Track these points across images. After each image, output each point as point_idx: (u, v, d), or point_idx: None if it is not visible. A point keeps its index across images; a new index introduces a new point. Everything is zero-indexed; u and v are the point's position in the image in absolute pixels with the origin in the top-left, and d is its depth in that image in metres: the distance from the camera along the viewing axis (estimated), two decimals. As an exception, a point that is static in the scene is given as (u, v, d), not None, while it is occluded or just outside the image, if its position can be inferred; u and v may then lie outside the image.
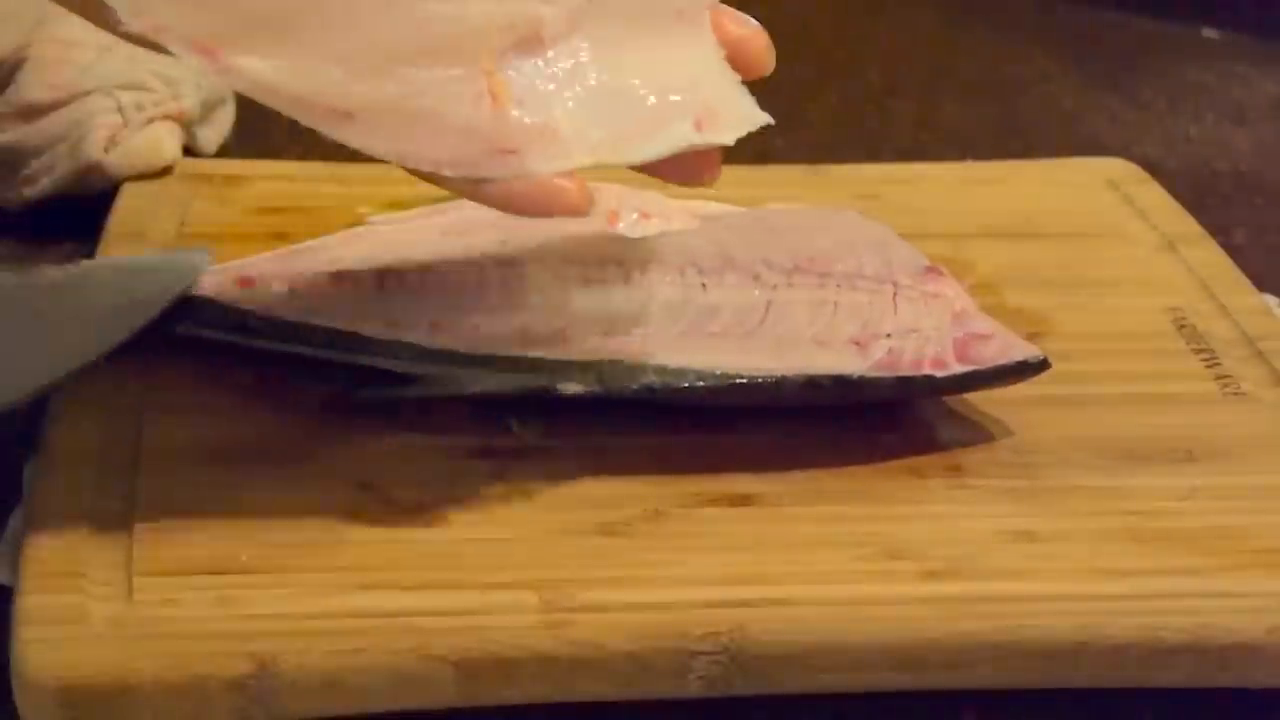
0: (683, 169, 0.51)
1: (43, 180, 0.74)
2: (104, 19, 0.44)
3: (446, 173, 0.47)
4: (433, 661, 0.49)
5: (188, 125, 0.77)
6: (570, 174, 0.48)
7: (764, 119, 0.52)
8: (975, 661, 0.51)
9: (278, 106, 0.45)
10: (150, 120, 0.75)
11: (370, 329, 0.59)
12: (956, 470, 0.58)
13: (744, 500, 0.56)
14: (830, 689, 0.51)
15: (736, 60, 0.52)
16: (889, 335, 0.59)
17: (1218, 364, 0.64)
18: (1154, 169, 0.79)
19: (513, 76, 0.48)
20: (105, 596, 0.50)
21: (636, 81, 0.50)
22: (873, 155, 0.83)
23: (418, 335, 0.58)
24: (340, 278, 0.60)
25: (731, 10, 0.53)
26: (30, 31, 0.75)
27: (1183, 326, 0.67)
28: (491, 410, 0.58)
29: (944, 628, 0.51)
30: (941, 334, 0.59)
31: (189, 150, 0.77)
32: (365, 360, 0.59)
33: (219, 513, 0.54)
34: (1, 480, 0.57)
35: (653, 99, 0.50)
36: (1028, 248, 0.72)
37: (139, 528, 0.53)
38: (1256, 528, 0.56)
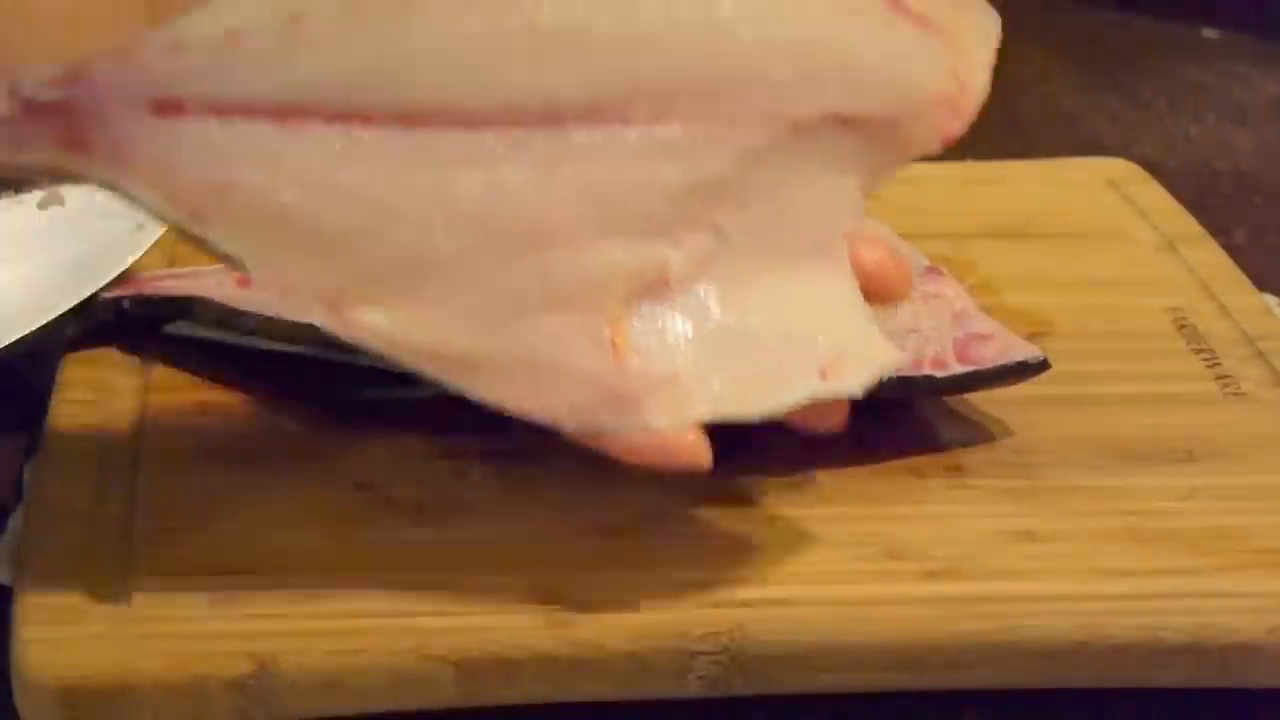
0: (806, 414, 0.49)
1: (43, 180, 0.74)
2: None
3: (564, 423, 0.46)
4: (433, 661, 0.49)
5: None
6: (691, 425, 0.47)
7: (897, 361, 0.50)
8: (975, 662, 0.51)
9: (399, 357, 0.44)
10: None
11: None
12: (957, 470, 0.58)
13: (744, 500, 0.56)
14: (830, 689, 0.51)
15: (870, 288, 0.50)
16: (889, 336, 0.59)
17: (1218, 364, 0.64)
18: (1154, 169, 0.79)
19: (634, 322, 0.46)
20: (105, 597, 0.50)
21: (761, 323, 0.48)
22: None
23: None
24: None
25: (869, 234, 0.51)
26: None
27: (1183, 326, 0.67)
28: (491, 410, 0.58)
29: (944, 628, 0.51)
30: (941, 334, 0.59)
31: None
32: (365, 360, 0.59)
33: (218, 513, 0.54)
34: (1, 480, 0.58)
35: (778, 346, 0.48)
36: (1028, 248, 0.72)
37: (139, 528, 0.53)
38: (1257, 528, 0.56)
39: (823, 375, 0.48)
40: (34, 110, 0.40)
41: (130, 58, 0.40)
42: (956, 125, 0.52)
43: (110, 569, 0.51)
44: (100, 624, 0.49)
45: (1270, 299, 0.70)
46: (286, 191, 0.41)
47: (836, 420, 0.50)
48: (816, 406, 0.48)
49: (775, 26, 0.47)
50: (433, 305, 0.43)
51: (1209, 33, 1.03)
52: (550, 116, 0.44)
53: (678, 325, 0.47)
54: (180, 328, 0.62)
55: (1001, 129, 0.90)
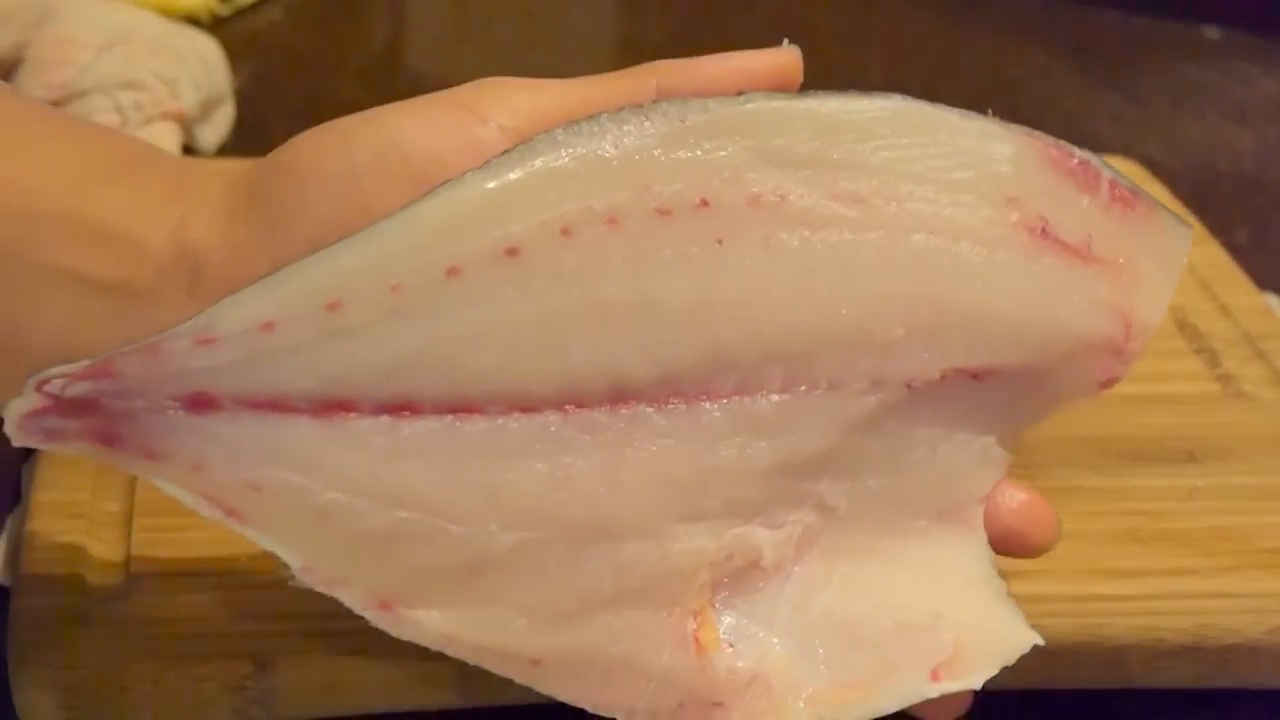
0: (920, 707, 0.45)
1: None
2: None
3: None
4: (433, 661, 0.49)
5: (187, 125, 0.77)
6: None
7: (1029, 642, 0.45)
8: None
9: (457, 654, 0.41)
10: (149, 120, 0.75)
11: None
12: (957, 470, 0.58)
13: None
14: (830, 689, 0.51)
15: (1005, 544, 0.46)
16: None
17: (1219, 364, 0.64)
18: (1155, 168, 0.79)
19: (721, 614, 0.43)
20: (104, 597, 0.50)
21: (869, 611, 0.44)
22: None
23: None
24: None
25: (1012, 485, 0.46)
26: (29, 31, 0.75)
27: (1184, 326, 0.67)
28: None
29: (944, 628, 0.51)
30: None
31: (188, 149, 0.77)
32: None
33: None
34: None
35: (887, 640, 0.44)
36: (1028, 247, 0.72)
37: (137, 527, 0.53)
38: (1258, 528, 0.56)
39: (935, 676, 0.44)
40: (63, 405, 0.38)
41: (158, 352, 0.38)
42: (1119, 370, 0.47)
43: (109, 569, 0.51)
44: (99, 624, 0.49)
45: (1271, 299, 0.70)
46: (326, 492, 0.38)
47: (955, 712, 0.46)
48: (933, 700, 0.44)
49: (881, 278, 0.42)
50: (492, 603, 0.40)
51: (1210, 31, 1.03)
52: (619, 396, 0.40)
53: (773, 616, 0.43)
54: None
55: (1002, 128, 0.90)
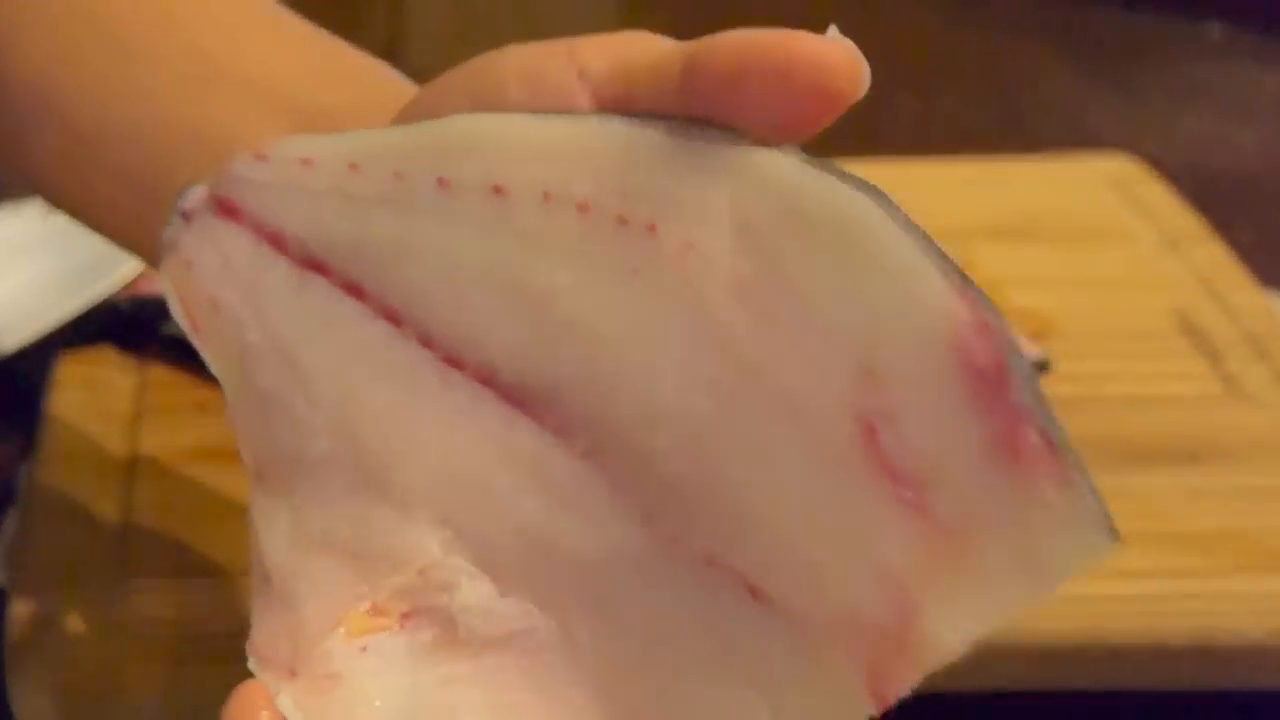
0: None
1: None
2: None
3: (253, 660, 0.39)
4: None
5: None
6: None
7: None
8: (976, 663, 0.50)
9: (252, 559, 0.40)
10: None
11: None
12: (958, 470, 0.58)
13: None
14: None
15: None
16: None
17: (1222, 364, 0.64)
18: (1157, 166, 0.79)
19: (387, 627, 0.39)
20: (102, 597, 0.50)
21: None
22: (873, 152, 0.83)
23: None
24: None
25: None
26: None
27: (1187, 326, 0.67)
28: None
29: (945, 629, 0.51)
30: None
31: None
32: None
33: (216, 513, 0.54)
34: (-2, 481, 0.58)
35: None
36: (1030, 247, 0.72)
37: (136, 528, 0.53)
38: (1260, 529, 0.56)
39: None
40: (187, 220, 0.39)
41: (229, 157, 0.40)
42: (893, 674, 0.35)
43: (107, 569, 0.51)
44: (97, 625, 0.49)
45: (1274, 298, 0.70)
46: (254, 332, 0.39)
47: None
48: None
49: (686, 394, 0.36)
50: (287, 499, 0.39)
51: (1211, 29, 1.03)
52: (485, 376, 0.38)
53: (412, 670, 0.38)
54: (179, 328, 0.61)
55: (1002, 125, 0.90)
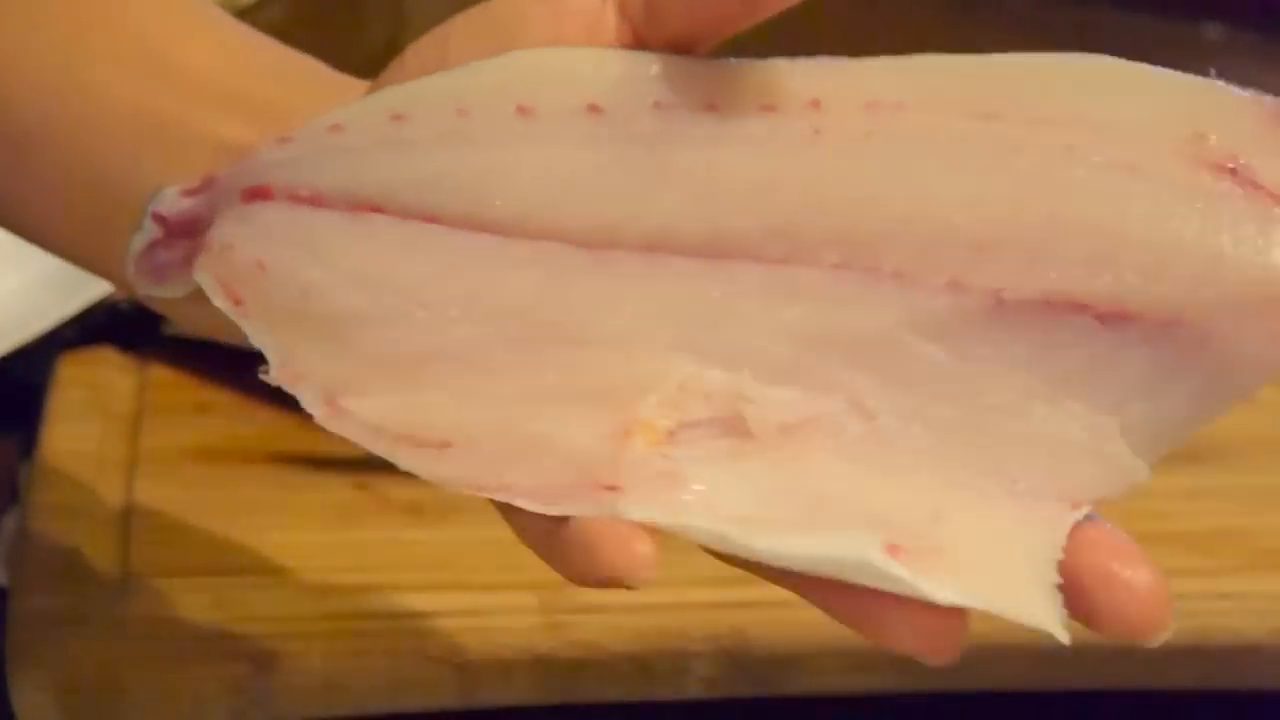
0: (897, 625, 0.34)
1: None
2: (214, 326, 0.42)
3: (523, 503, 0.36)
4: (432, 663, 0.49)
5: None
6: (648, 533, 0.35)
7: (1051, 626, 0.34)
8: (976, 663, 0.51)
9: (378, 449, 0.38)
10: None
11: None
12: (958, 470, 0.58)
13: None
14: (830, 691, 0.51)
15: (1094, 614, 0.34)
16: None
17: (1220, 364, 0.64)
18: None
19: (671, 436, 0.36)
20: (103, 597, 0.50)
21: (851, 490, 0.36)
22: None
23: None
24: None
25: (1136, 555, 0.35)
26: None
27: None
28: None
29: (945, 629, 0.51)
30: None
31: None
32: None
33: (217, 513, 0.54)
34: (-2, 480, 0.58)
35: (853, 512, 0.35)
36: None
37: (136, 528, 0.53)
38: (1260, 529, 0.56)
39: (892, 551, 0.33)
40: (171, 230, 0.39)
41: (247, 153, 0.39)
42: None
43: (107, 569, 0.51)
44: (97, 625, 0.49)
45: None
46: (313, 268, 0.38)
47: (942, 645, 0.34)
48: (914, 618, 0.34)
49: (985, 179, 0.36)
50: (429, 389, 0.38)
51: (1211, 31, 1.03)
52: (654, 245, 0.37)
53: (731, 461, 0.36)
54: (179, 328, 0.61)
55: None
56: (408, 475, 0.55)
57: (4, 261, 0.63)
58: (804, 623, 0.50)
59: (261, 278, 0.38)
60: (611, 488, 0.35)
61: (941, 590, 0.33)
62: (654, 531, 0.35)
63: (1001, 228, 0.35)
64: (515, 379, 0.37)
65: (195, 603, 0.50)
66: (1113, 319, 0.35)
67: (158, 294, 0.40)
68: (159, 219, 0.39)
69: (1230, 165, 0.35)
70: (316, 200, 0.39)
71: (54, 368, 0.60)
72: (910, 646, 0.34)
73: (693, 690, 0.50)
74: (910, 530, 0.34)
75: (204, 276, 0.39)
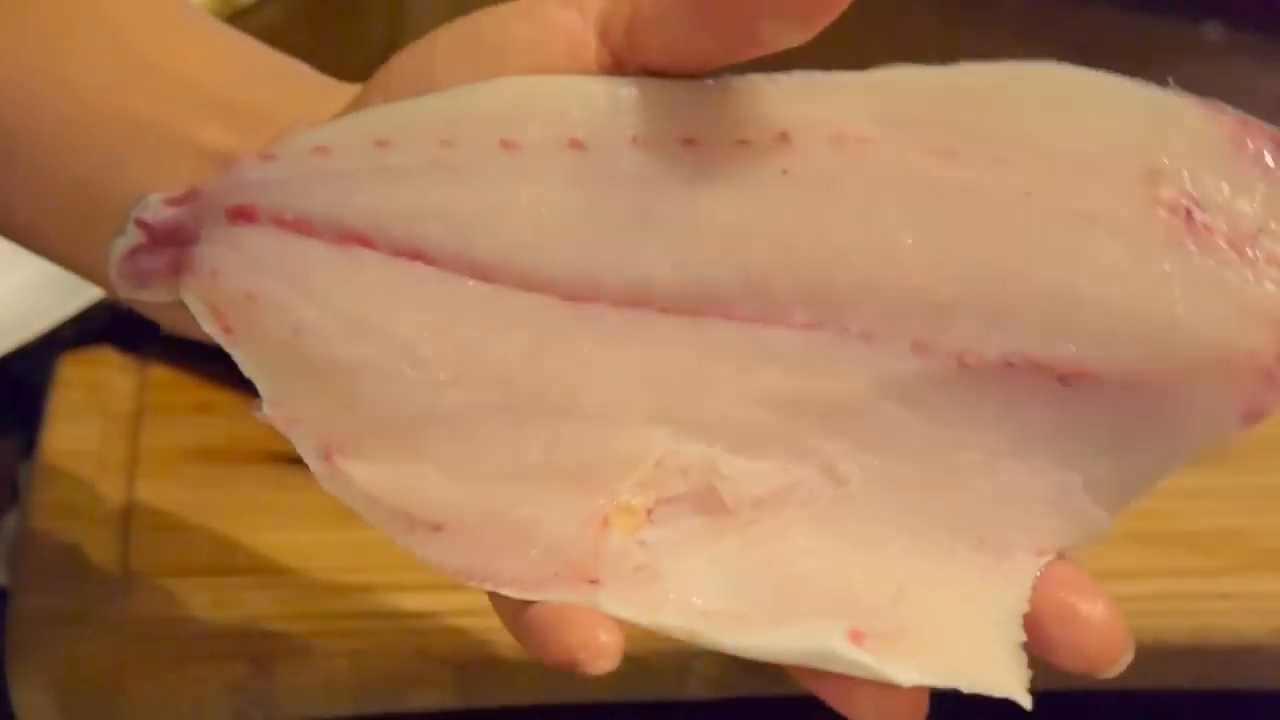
0: (853, 700, 0.36)
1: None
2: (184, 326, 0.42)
3: (508, 591, 0.38)
4: (432, 663, 0.49)
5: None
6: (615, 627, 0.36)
7: (1013, 693, 0.35)
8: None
9: (374, 521, 0.40)
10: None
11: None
12: (958, 470, 0.58)
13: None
14: (831, 690, 0.51)
15: (1063, 648, 0.36)
16: None
17: (1220, 364, 0.64)
18: (1156, 168, 0.79)
19: (649, 520, 0.38)
20: (102, 597, 0.50)
21: (822, 570, 0.37)
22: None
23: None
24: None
25: (1091, 590, 0.37)
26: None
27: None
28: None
29: (945, 629, 0.51)
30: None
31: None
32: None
33: (217, 513, 0.54)
34: (-2, 480, 0.58)
35: (822, 596, 0.36)
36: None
37: (136, 528, 0.53)
38: (1259, 528, 0.56)
39: (855, 637, 0.35)
40: (155, 237, 0.39)
41: (230, 167, 0.39)
42: (1269, 396, 0.36)
43: (107, 569, 0.51)
44: (97, 624, 0.49)
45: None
46: (307, 308, 0.38)
47: (902, 711, 0.36)
48: (880, 698, 0.35)
49: (947, 233, 0.37)
50: (421, 460, 0.38)
51: (1211, 31, 1.03)
52: (633, 300, 0.38)
53: (706, 542, 0.37)
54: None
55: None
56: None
57: (4, 261, 0.63)
58: (804, 623, 0.51)
59: (251, 308, 0.38)
60: (592, 581, 0.37)
61: (904, 674, 0.35)
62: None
63: (961, 288, 0.37)
64: (501, 454, 0.38)
65: (195, 603, 0.50)
66: (1074, 379, 0.37)
67: (140, 299, 0.40)
68: (142, 225, 0.39)
69: (1186, 205, 0.36)
70: (303, 226, 0.38)
71: (54, 368, 0.60)
72: (874, 715, 0.36)
73: (693, 690, 0.50)
74: (875, 611, 0.36)
75: (192, 300, 0.39)
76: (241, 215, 0.39)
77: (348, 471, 0.39)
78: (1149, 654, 0.51)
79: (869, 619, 0.36)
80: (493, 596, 0.38)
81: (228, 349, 0.39)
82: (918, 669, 0.35)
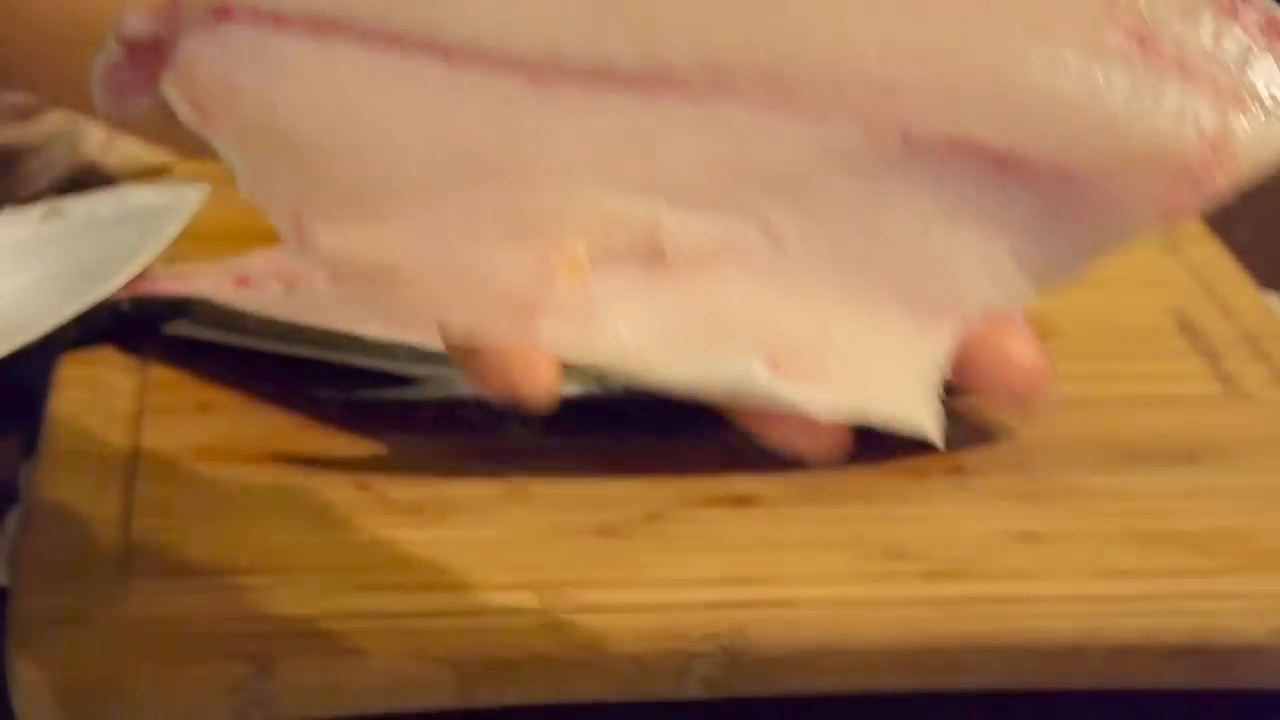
0: (781, 427, 0.38)
1: (39, 180, 0.74)
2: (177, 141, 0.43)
3: (450, 329, 0.40)
4: (432, 663, 0.49)
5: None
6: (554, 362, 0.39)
7: (922, 424, 0.38)
8: (976, 663, 0.51)
9: (341, 279, 0.42)
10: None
11: (369, 330, 0.58)
12: (958, 470, 0.58)
13: (744, 501, 0.56)
14: (830, 690, 0.51)
15: (995, 386, 0.40)
16: None
17: (1220, 364, 0.64)
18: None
19: (595, 270, 0.40)
20: (103, 597, 0.50)
21: (748, 310, 0.39)
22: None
23: (417, 336, 0.58)
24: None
25: (1021, 328, 0.39)
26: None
27: (1185, 326, 0.67)
28: (491, 410, 0.58)
29: (944, 628, 0.51)
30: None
31: (188, 149, 0.77)
32: (364, 361, 0.59)
33: (217, 513, 0.54)
34: (-2, 480, 0.58)
35: (745, 328, 0.39)
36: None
37: (137, 528, 0.53)
38: (1259, 528, 0.55)
39: (774, 365, 0.38)
40: (135, 51, 0.40)
41: None
42: (1188, 198, 0.38)
43: (108, 569, 0.51)
44: (98, 625, 0.49)
45: (1273, 298, 0.70)
46: (283, 94, 0.40)
47: (821, 443, 0.38)
48: (795, 420, 0.38)
49: (908, 26, 0.39)
50: (390, 226, 0.40)
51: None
52: (596, 75, 0.40)
53: (645, 287, 0.39)
54: (179, 328, 0.61)
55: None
56: (408, 475, 0.56)
57: (5, 263, 0.63)
58: (804, 623, 0.51)
59: (228, 97, 0.40)
60: (536, 321, 0.39)
61: (818, 404, 0.37)
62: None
63: (912, 70, 0.39)
64: (459, 215, 0.40)
65: (196, 602, 0.50)
66: (1011, 164, 0.39)
67: (122, 113, 0.40)
68: (122, 41, 0.40)
69: (1139, 28, 0.38)
70: (279, 19, 0.40)
71: (54, 368, 0.60)
72: (796, 446, 0.38)
73: (693, 690, 0.50)
74: (797, 346, 0.38)
75: (170, 91, 0.40)
76: (221, 13, 0.40)
77: (316, 236, 0.40)
78: (1149, 654, 0.51)
79: (790, 352, 0.38)
80: (448, 345, 0.40)
81: (205, 135, 0.40)
82: (832, 400, 0.37)
